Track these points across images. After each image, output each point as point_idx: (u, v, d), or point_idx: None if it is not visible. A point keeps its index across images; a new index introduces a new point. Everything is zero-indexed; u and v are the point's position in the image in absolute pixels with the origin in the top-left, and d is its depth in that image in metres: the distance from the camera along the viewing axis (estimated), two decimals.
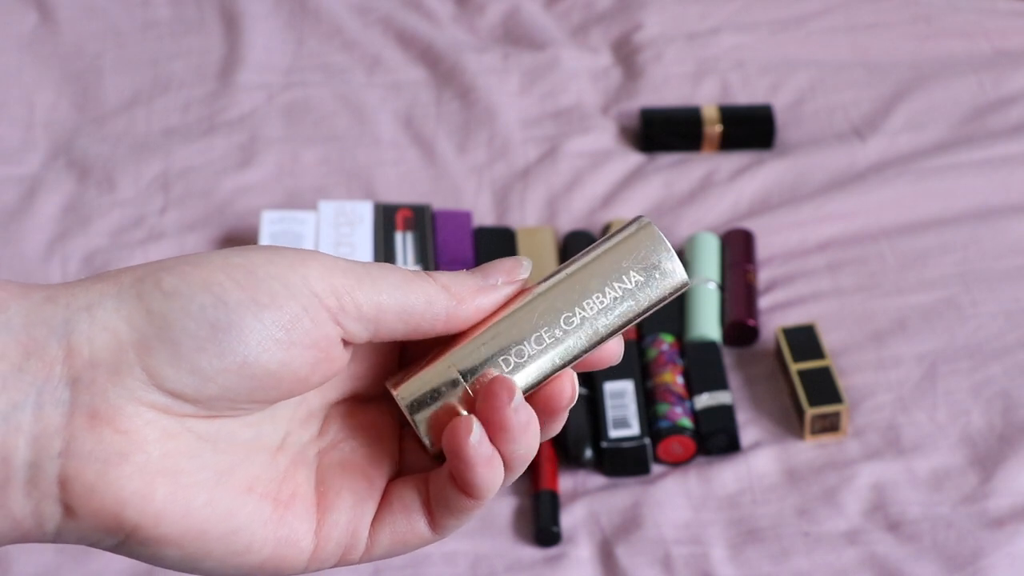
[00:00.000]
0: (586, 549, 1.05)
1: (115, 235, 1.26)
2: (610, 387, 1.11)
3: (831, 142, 1.32)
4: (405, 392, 0.52)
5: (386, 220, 1.23)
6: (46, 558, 1.03)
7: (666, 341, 1.15)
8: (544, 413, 0.52)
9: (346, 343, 0.51)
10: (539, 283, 0.53)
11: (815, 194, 1.27)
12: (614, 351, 0.53)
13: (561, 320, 0.52)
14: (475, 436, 0.50)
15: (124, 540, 0.49)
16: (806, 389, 1.10)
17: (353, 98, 1.38)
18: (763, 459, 1.09)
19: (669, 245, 0.52)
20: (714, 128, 1.32)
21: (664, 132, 1.33)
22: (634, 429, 1.09)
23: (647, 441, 1.08)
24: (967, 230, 1.23)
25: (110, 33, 1.44)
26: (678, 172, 1.30)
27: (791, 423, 1.11)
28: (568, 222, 1.27)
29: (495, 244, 1.23)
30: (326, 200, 1.26)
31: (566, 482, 1.09)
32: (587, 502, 1.07)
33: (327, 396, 0.54)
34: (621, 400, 1.10)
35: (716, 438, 1.09)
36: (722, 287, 1.19)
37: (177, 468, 0.49)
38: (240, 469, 0.51)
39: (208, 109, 1.37)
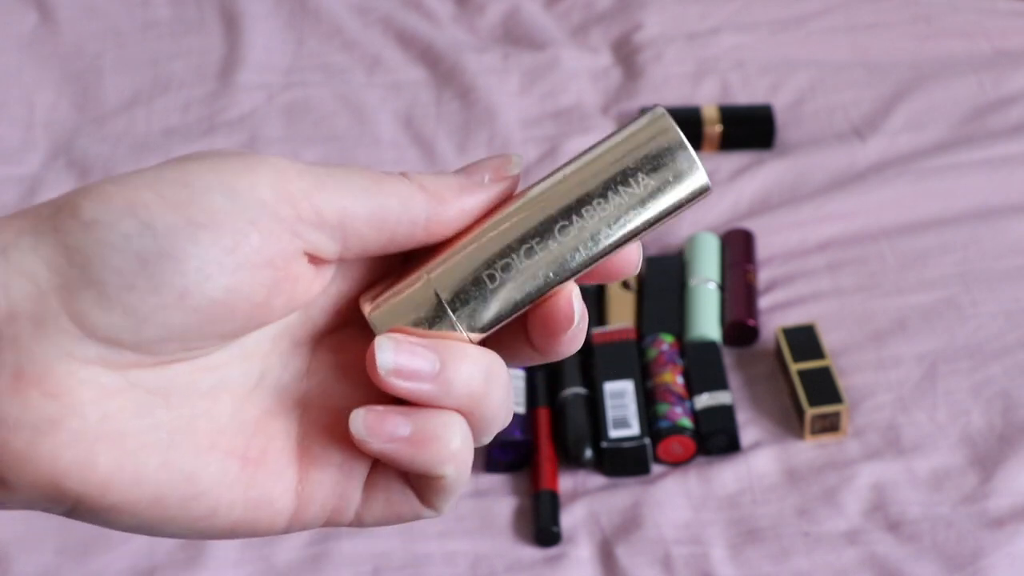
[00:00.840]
0: (586, 549, 1.05)
1: None
2: (610, 387, 1.11)
3: (831, 142, 1.32)
4: (379, 316, 0.45)
5: None
6: (46, 558, 1.03)
7: (666, 341, 1.15)
8: (544, 335, 0.46)
9: (316, 260, 0.45)
10: (534, 185, 0.46)
11: (815, 194, 1.27)
12: (631, 259, 0.46)
13: (556, 229, 0.45)
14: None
15: (72, 509, 0.43)
16: (806, 389, 1.10)
17: (353, 98, 1.39)
18: (763, 459, 1.09)
19: (686, 141, 0.45)
20: (714, 128, 1.32)
21: None
22: (634, 429, 1.09)
23: (647, 441, 1.08)
24: (967, 230, 1.23)
25: (110, 33, 1.44)
26: None
27: (791, 423, 1.11)
28: None
29: None
30: None
31: (566, 482, 1.09)
32: (587, 502, 1.07)
33: (316, 323, 0.47)
34: (621, 400, 1.10)
35: (716, 438, 1.09)
36: (722, 287, 1.19)
37: (122, 431, 0.43)
38: (200, 424, 0.44)
39: (208, 109, 1.37)
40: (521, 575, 1.03)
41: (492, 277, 0.45)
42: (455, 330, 0.45)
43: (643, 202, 0.45)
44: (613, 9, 1.46)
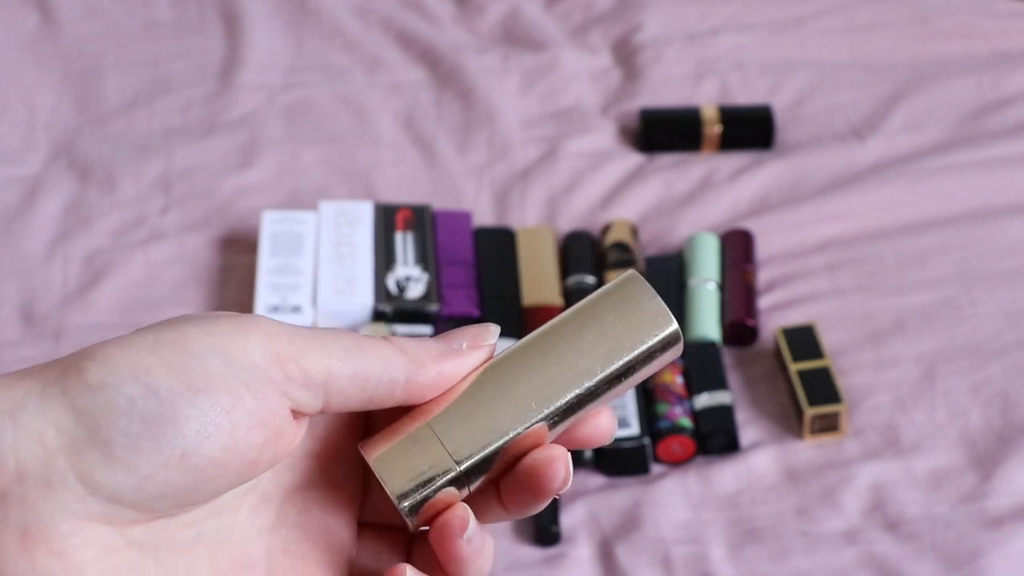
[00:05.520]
0: (586, 549, 1.05)
1: (116, 235, 1.27)
2: None
3: (830, 143, 1.32)
4: (380, 460, 0.47)
5: (386, 220, 1.24)
6: None
7: None
8: (533, 493, 0.48)
9: (297, 415, 0.47)
10: (518, 341, 0.48)
11: (814, 194, 1.27)
12: (606, 428, 0.49)
13: (542, 373, 0.47)
14: (469, 534, 0.47)
15: None
16: (805, 389, 1.10)
17: (353, 99, 1.39)
18: (762, 459, 1.09)
19: (655, 292, 0.47)
20: (714, 128, 1.32)
21: (664, 132, 1.33)
22: (634, 429, 1.09)
23: (647, 441, 1.09)
24: (966, 230, 1.24)
25: (111, 34, 1.45)
26: (678, 172, 1.31)
27: (790, 423, 1.12)
28: (568, 222, 1.27)
29: (495, 244, 1.24)
30: (327, 200, 1.26)
31: None
32: (587, 502, 1.07)
33: (282, 480, 0.49)
34: (621, 400, 1.10)
35: (715, 438, 1.10)
36: (721, 287, 1.19)
37: None
38: None
39: (209, 109, 1.38)
40: (521, 575, 1.04)
41: (484, 411, 0.47)
42: (447, 455, 0.47)
43: (619, 345, 0.47)
44: (613, 10, 1.46)
